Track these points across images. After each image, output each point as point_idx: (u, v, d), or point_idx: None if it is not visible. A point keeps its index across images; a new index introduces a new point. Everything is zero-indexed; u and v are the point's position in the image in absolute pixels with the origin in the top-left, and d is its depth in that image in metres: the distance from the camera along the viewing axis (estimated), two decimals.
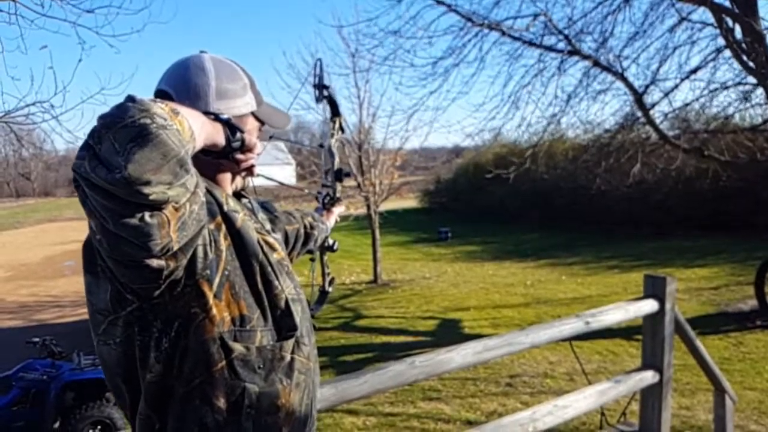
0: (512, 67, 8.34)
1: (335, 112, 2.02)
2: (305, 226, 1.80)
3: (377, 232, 12.29)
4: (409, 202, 29.67)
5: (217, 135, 1.11)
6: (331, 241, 2.00)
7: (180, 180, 0.89)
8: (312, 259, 1.95)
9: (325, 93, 1.90)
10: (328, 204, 2.01)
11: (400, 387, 2.37)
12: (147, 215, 0.87)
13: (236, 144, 1.16)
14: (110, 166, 0.83)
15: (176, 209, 0.90)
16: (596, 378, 5.69)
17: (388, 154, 12.47)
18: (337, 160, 2.01)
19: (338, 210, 2.03)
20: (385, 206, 13.24)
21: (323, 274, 2.00)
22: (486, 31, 7.62)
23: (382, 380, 2.24)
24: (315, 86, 1.90)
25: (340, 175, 2.00)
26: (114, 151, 0.84)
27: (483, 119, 8.70)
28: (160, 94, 1.21)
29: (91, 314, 1.12)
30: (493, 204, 22.80)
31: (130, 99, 0.88)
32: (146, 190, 0.84)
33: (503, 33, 7.71)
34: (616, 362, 6.36)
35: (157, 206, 0.87)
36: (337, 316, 9.52)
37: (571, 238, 17.63)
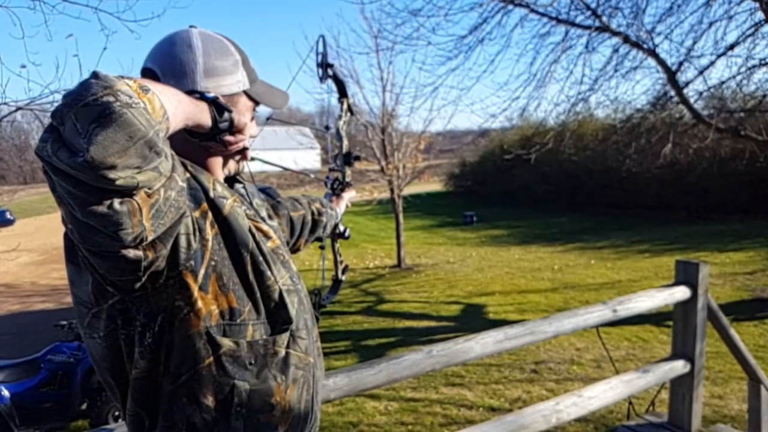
0: (539, 44, 8.11)
1: (342, 92, 1.92)
2: (313, 213, 1.73)
3: (401, 216, 12.21)
4: (433, 185, 29.48)
5: (201, 115, 1.03)
6: (342, 228, 1.92)
7: (150, 164, 0.81)
8: (321, 247, 1.87)
9: (330, 72, 1.80)
10: (337, 189, 1.92)
11: (416, 377, 2.30)
12: (116, 202, 0.80)
13: (224, 125, 1.08)
14: (73, 148, 0.76)
15: (149, 195, 0.83)
16: (625, 366, 5.55)
17: (411, 137, 12.35)
18: (345, 143, 1.92)
19: (348, 195, 1.94)
20: (409, 190, 13.15)
21: (336, 262, 1.92)
22: (510, 7, 7.39)
23: (397, 370, 2.17)
24: (318, 65, 1.79)
25: (349, 159, 1.91)
26: (76, 132, 0.76)
27: (507, 98, 8.50)
28: (146, 73, 1.14)
29: (75, 306, 1.06)
30: (520, 187, 22.50)
31: (94, 75, 0.80)
32: (112, 174, 0.77)
33: (530, 9, 7.48)
34: (646, 349, 6.20)
35: (126, 192, 0.80)
36: (360, 300, 9.50)
37: (601, 221, 17.32)
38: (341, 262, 1.93)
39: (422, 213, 20.69)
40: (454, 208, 22.27)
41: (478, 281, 10.41)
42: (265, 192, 1.57)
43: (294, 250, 1.71)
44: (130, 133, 0.77)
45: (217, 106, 1.07)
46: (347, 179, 1.94)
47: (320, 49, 1.76)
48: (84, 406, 5.29)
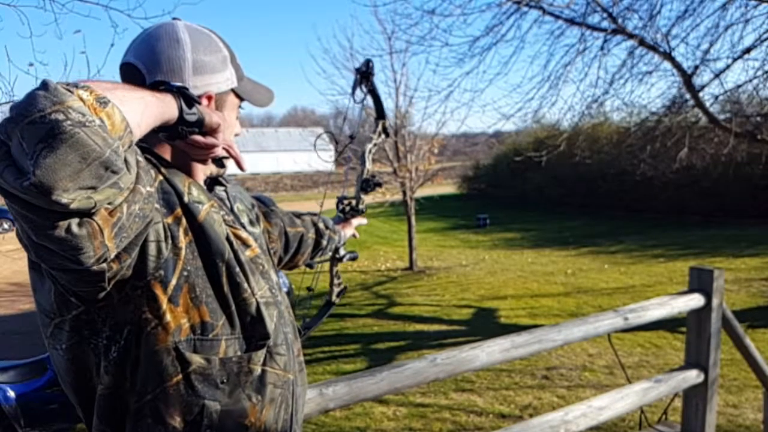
0: (553, 46, 8.03)
1: (380, 113, 1.81)
2: (318, 232, 1.66)
3: (413, 218, 12.17)
4: (446, 188, 29.37)
5: (167, 109, 0.91)
6: (342, 252, 1.82)
7: (107, 182, 0.73)
8: (309, 265, 1.79)
9: (367, 86, 1.68)
10: (348, 214, 1.83)
11: (419, 385, 2.25)
12: (74, 225, 0.72)
13: (191, 117, 0.94)
14: (21, 168, 0.68)
15: (110, 214, 0.76)
16: (637, 372, 5.47)
17: (425, 139, 12.30)
18: (369, 167, 1.81)
19: (357, 222, 1.86)
20: (422, 192, 13.07)
21: (331, 284, 1.83)
22: (525, 9, 7.32)
23: (399, 379, 2.12)
24: (356, 71, 1.68)
25: (367, 186, 1.79)
26: (22, 151, 0.68)
27: (520, 100, 8.42)
28: (128, 68, 1.05)
29: (38, 315, 0.99)
30: (534, 190, 22.39)
31: (43, 86, 0.71)
32: (64, 199, 0.69)
33: (543, 11, 7.41)
34: (659, 356, 6.10)
35: (85, 213, 0.73)
36: (371, 303, 9.46)
37: (615, 225, 17.15)
38: (339, 284, 1.83)
39: (436, 215, 20.63)
40: (468, 211, 22.18)
41: (490, 285, 10.32)
42: (259, 200, 1.51)
43: (290, 267, 1.66)
44: (82, 155, 0.69)
45: (185, 97, 0.95)
46: (361, 206, 1.83)
47: (367, 66, 1.66)
48: None
